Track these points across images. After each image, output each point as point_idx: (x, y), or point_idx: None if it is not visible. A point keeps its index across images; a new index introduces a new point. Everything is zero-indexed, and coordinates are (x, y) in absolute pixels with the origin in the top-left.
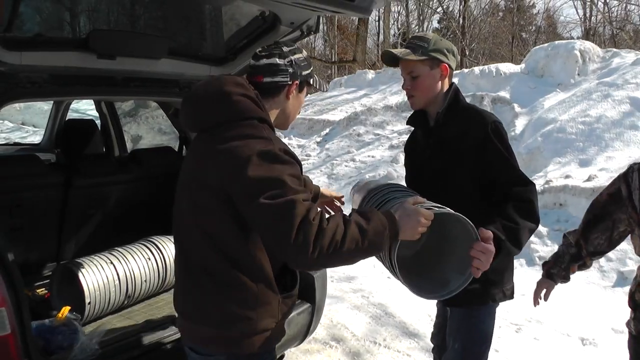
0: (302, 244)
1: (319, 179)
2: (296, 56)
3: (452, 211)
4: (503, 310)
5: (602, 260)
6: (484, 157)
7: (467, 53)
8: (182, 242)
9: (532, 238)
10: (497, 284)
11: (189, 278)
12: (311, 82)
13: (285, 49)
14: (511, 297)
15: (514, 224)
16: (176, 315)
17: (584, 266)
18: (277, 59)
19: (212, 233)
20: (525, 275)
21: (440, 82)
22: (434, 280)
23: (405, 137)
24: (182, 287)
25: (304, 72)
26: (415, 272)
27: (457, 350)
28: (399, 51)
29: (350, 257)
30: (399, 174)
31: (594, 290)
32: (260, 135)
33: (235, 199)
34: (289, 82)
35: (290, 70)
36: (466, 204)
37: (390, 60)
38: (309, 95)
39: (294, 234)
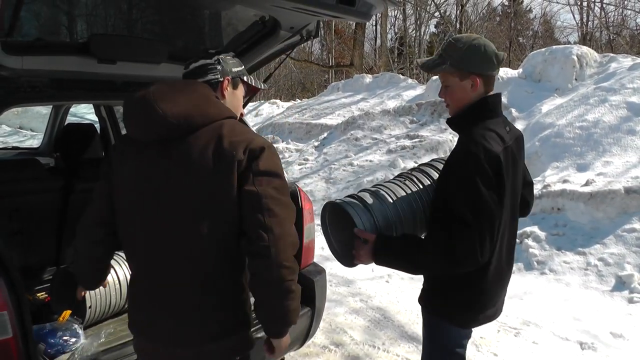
0: (274, 252)
1: (317, 184)
2: (223, 55)
3: (352, 213)
4: (502, 315)
5: (600, 264)
6: (443, 179)
7: None
8: (172, 259)
9: (530, 242)
10: (444, 302)
11: (191, 295)
12: (245, 79)
13: (211, 51)
14: (459, 325)
15: (414, 247)
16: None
17: None
18: (204, 60)
19: (228, 242)
20: (523, 279)
21: (472, 92)
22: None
23: (402, 142)
24: (172, 307)
25: (235, 69)
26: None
27: (425, 358)
28: (426, 60)
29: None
30: None
31: (593, 295)
32: (253, 130)
33: (243, 181)
34: (220, 79)
35: (219, 67)
36: (433, 217)
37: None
38: (305, 99)
39: (275, 241)
